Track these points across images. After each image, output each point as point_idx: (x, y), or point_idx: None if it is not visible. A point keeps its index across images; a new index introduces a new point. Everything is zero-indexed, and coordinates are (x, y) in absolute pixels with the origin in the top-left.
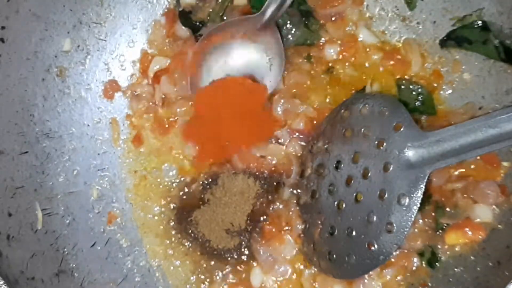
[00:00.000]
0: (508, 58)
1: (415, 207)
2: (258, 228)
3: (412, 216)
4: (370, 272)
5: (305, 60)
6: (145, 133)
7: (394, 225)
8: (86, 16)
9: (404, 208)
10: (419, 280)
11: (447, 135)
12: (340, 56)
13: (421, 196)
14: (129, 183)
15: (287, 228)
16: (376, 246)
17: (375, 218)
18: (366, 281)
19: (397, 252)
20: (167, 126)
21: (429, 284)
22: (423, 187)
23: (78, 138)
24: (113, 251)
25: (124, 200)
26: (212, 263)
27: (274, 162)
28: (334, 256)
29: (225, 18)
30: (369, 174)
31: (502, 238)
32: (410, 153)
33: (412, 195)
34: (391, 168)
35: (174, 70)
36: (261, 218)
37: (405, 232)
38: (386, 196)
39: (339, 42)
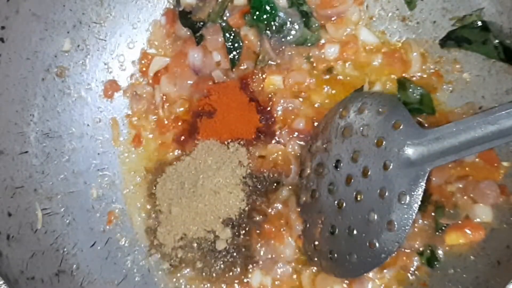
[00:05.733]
0: (508, 58)
1: (415, 205)
2: (258, 228)
3: (413, 214)
4: (370, 272)
5: (305, 60)
6: (144, 133)
7: (395, 223)
8: (86, 16)
9: (405, 206)
10: (418, 280)
11: (447, 133)
12: (340, 56)
13: (422, 193)
14: (129, 183)
15: (286, 228)
16: (377, 244)
17: (375, 216)
18: (365, 281)
19: (397, 252)
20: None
21: (429, 284)
22: (424, 184)
23: (78, 138)
24: (113, 251)
25: (124, 200)
26: (212, 263)
27: (273, 162)
28: (335, 255)
29: (224, 18)
30: (369, 173)
31: (502, 238)
32: (410, 151)
33: (412, 193)
34: (391, 166)
35: (174, 70)
36: (261, 218)
37: (406, 230)
38: (386, 194)
39: (339, 42)
